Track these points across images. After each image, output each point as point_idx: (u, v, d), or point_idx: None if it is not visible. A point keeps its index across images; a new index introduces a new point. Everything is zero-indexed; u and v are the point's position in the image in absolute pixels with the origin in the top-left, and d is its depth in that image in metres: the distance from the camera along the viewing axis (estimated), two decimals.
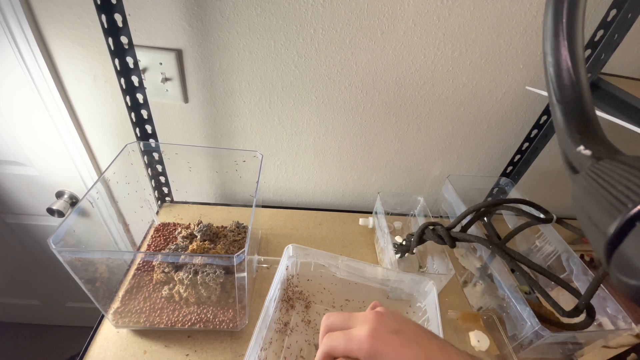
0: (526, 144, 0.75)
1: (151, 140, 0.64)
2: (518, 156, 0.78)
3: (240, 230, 0.66)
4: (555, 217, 0.60)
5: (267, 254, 0.69)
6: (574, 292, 0.50)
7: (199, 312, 0.53)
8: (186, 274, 0.52)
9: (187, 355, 0.50)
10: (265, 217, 0.79)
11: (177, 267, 0.54)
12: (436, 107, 0.70)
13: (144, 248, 0.64)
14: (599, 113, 0.48)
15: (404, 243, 0.64)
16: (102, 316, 0.53)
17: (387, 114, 0.71)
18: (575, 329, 0.47)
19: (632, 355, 0.51)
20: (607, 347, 0.58)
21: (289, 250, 0.53)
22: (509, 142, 0.78)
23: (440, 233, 0.58)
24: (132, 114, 0.60)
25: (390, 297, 0.58)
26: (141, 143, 0.62)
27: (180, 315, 0.52)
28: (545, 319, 0.50)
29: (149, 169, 0.68)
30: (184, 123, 0.71)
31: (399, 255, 0.66)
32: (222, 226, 0.68)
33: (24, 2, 0.55)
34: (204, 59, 0.62)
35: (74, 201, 0.85)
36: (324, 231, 0.77)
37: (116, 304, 0.52)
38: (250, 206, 0.53)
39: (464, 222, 0.60)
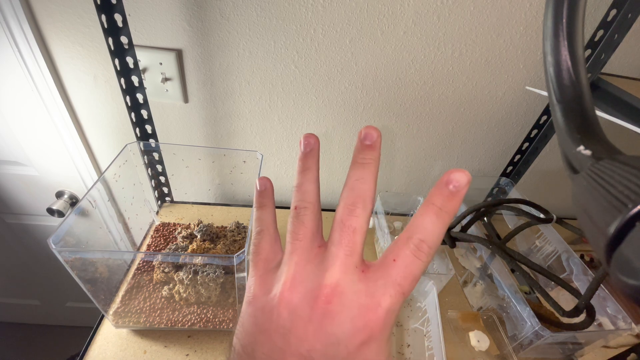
0: (526, 144, 0.75)
1: (151, 140, 0.64)
2: (518, 156, 0.78)
3: (240, 230, 0.66)
4: (555, 217, 0.60)
5: None
6: (574, 292, 0.50)
7: (198, 312, 0.53)
8: (186, 274, 0.52)
9: (187, 355, 0.50)
10: None
11: (177, 267, 0.54)
12: (436, 107, 0.70)
13: (144, 248, 0.64)
14: (599, 113, 0.48)
15: None
16: (102, 316, 0.53)
17: (387, 114, 0.71)
18: (575, 329, 0.47)
19: (632, 355, 0.51)
20: (607, 347, 0.58)
21: None
22: (509, 142, 0.78)
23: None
24: (132, 114, 0.60)
25: None
26: (141, 143, 0.62)
27: (180, 315, 0.52)
28: (545, 319, 0.50)
29: (149, 169, 0.68)
30: (184, 123, 0.71)
31: None
32: (222, 226, 0.68)
33: (24, 2, 0.55)
34: (204, 59, 0.62)
35: (74, 201, 0.85)
36: (324, 231, 0.77)
37: (116, 304, 0.52)
38: (250, 206, 0.53)
39: (464, 222, 0.60)
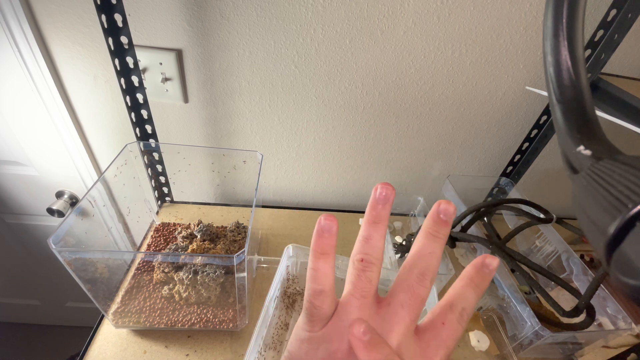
0: (526, 144, 0.75)
1: (151, 140, 0.64)
2: (518, 156, 0.78)
3: (240, 230, 0.66)
4: (555, 217, 0.60)
5: (267, 254, 0.69)
6: (574, 292, 0.50)
7: (199, 312, 0.53)
8: (186, 274, 0.52)
9: (187, 355, 0.50)
10: (265, 217, 0.79)
11: (177, 267, 0.54)
12: (436, 107, 0.70)
13: (144, 248, 0.64)
14: (599, 113, 0.48)
15: (404, 243, 0.64)
16: (102, 316, 0.53)
17: (387, 114, 0.71)
18: (575, 329, 0.47)
19: (632, 355, 0.51)
20: (607, 347, 0.58)
21: (289, 250, 0.53)
22: (509, 142, 0.78)
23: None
24: (132, 114, 0.60)
25: None
26: (141, 143, 0.62)
27: (180, 315, 0.52)
28: (545, 319, 0.50)
29: (149, 169, 0.68)
30: (184, 123, 0.71)
31: (399, 255, 0.66)
32: (222, 226, 0.68)
33: (24, 2, 0.55)
34: (204, 59, 0.62)
35: (74, 201, 0.85)
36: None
37: (116, 304, 0.52)
38: (250, 206, 0.53)
39: (464, 222, 0.60)
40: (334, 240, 0.20)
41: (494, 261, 0.21)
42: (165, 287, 0.53)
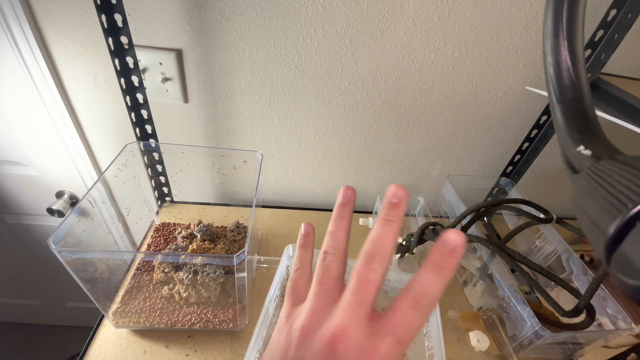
0: (526, 144, 0.75)
1: (151, 140, 0.64)
2: (518, 156, 0.78)
3: (240, 230, 0.66)
4: (555, 217, 0.60)
5: (267, 254, 0.69)
6: (574, 292, 0.50)
7: (199, 312, 0.53)
8: (186, 274, 0.52)
9: (187, 355, 0.50)
10: (265, 217, 0.79)
11: (177, 267, 0.54)
12: (436, 107, 0.70)
13: (144, 248, 0.64)
14: (599, 113, 0.48)
15: (404, 243, 0.64)
16: (102, 316, 0.53)
17: (387, 114, 0.71)
18: (575, 329, 0.47)
19: (632, 355, 0.51)
20: (607, 347, 0.58)
21: (289, 250, 0.53)
22: (509, 142, 0.78)
23: (440, 233, 0.58)
24: (132, 114, 0.60)
25: (390, 296, 0.58)
26: (141, 143, 0.62)
27: (180, 315, 0.52)
28: (545, 319, 0.50)
29: (149, 169, 0.68)
30: (184, 123, 0.71)
31: (399, 255, 0.66)
32: (222, 226, 0.68)
33: (24, 2, 0.55)
34: (204, 59, 0.62)
35: (74, 201, 0.85)
36: (324, 231, 0.77)
37: (116, 304, 0.52)
38: (250, 206, 0.53)
39: (464, 222, 0.60)
40: (313, 238, 0.27)
41: (456, 236, 0.19)
42: (165, 287, 0.53)
